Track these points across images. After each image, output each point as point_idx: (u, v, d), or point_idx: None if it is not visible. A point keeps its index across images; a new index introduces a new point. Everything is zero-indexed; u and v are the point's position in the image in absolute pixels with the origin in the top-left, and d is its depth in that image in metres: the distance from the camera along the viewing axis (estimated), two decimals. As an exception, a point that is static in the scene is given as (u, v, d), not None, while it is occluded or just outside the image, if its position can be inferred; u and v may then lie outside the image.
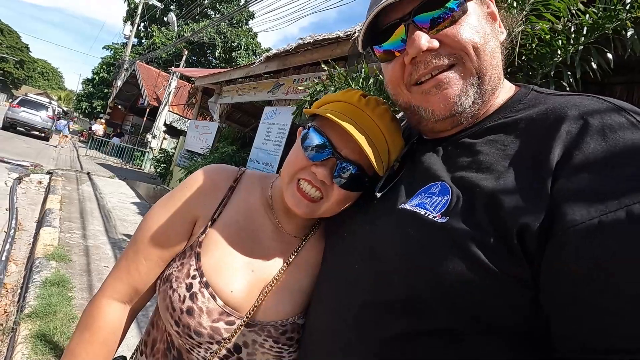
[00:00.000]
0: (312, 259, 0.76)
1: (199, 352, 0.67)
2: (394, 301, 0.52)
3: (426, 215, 0.51)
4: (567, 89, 1.62)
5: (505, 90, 0.62)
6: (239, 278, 0.69)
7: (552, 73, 1.65)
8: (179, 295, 0.66)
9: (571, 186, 0.42)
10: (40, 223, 4.40)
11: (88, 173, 9.02)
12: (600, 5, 1.53)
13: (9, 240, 3.76)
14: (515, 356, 0.46)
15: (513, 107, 0.57)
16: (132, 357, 0.80)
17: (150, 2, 21.53)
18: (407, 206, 0.55)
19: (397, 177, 0.64)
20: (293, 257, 0.74)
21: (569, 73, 1.59)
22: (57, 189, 6.14)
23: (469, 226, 0.47)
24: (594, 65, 1.53)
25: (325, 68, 2.65)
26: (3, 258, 3.34)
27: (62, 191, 6.17)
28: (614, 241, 0.38)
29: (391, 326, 0.51)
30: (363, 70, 2.37)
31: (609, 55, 1.54)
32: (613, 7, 1.48)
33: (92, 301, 0.73)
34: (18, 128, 14.33)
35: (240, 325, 0.66)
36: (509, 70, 1.87)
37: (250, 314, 0.67)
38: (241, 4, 24.88)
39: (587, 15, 1.54)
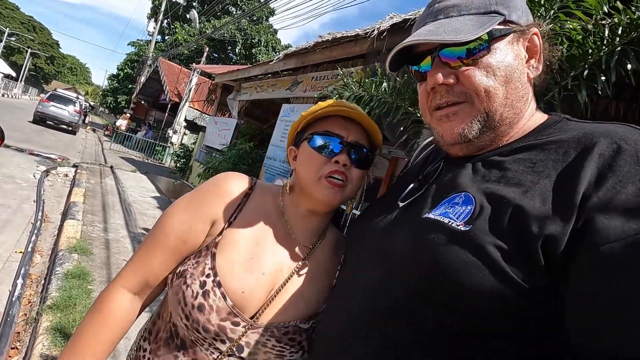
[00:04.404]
0: (317, 267, 0.80)
1: (203, 345, 0.70)
2: (408, 303, 0.53)
3: (449, 223, 0.53)
4: (600, 92, 1.51)
5: (536, 118, 0.64)
6: (250, 280, 0.72)
7: (583, 75, 1.55)
8: (192, 291, 0.69)
9: (604, 205, 0.43)
10: (64, 215, 4.57)
11: (111, 167, 9.30)
12: (639, 4, 1.42)
13: (35, 231, 3.92)
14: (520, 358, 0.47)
15: (544, 131, 0.60)
16: (134, 344, 0.84)
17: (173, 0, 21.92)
18: (430, 215, 0.57)
19: (421, 190, 0.67)
20: (300, 264, 0.79)
21: (603, 78, 1.49)
22: (81, 182, 6.36)
23: (492, 234, 0.48)
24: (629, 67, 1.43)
25: (340, 73, 2.60)
26: (29, 249, 3.48)
27: (86, 184, 6.38)
28: None
29: (403, 329, 0.53)
30: (377, 72, 2.31)
31: (648, 57, 1.43)
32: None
33: (107, 288, 0.78)
34: (47, 122, 14.92)
35: (246, 328, 0.70)
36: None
37: (257, 318, 0.71)
38: (262, 0, 24.98)
39: (624, 14, 1.43)
